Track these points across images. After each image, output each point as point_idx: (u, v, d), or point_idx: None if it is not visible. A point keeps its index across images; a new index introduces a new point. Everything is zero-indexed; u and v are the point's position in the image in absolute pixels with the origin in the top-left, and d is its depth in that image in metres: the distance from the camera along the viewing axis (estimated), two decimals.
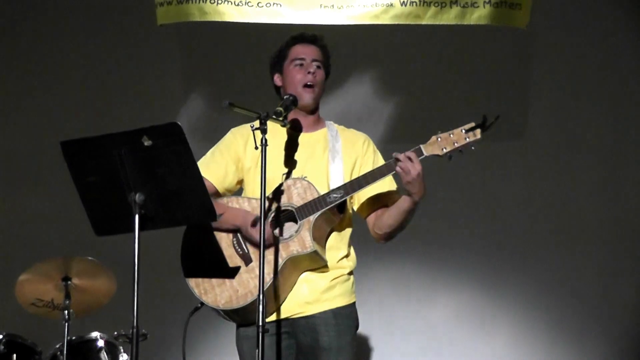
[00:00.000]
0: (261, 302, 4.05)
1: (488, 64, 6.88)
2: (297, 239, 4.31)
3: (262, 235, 4.10)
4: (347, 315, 4.41)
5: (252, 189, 4.47)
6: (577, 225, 6.78)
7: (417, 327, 6.77)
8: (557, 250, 6.75)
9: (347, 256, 4.47)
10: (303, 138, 4.51)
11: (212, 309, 4.38)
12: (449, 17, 6.12)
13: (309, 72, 4.48)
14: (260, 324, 4.03)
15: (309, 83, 4.47)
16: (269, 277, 4.27)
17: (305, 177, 4.40)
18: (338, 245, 4.44)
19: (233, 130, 4.59)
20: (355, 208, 4.53)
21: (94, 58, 7.10)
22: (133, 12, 6.97)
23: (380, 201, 4.47)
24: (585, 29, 6.86)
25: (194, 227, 4.44)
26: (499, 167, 6.82)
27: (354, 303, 4.47)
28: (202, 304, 4.41)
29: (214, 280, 4.37)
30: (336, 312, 4.38)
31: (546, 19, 6.71)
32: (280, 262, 4.29)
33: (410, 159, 4.25)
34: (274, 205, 4.36)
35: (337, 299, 4.40)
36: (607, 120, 6.83)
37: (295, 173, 4.42)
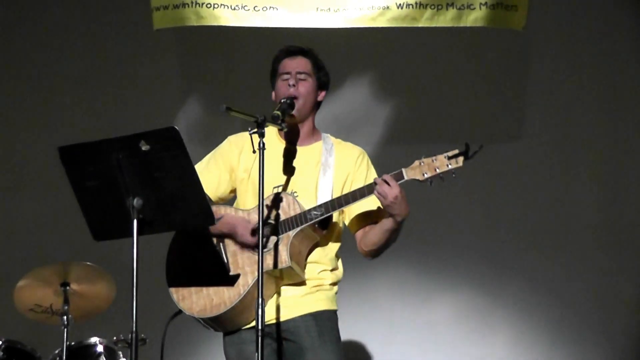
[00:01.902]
0: (260, 306, 4.05)
1: (485, 65, 6.88)
2: (274, 253, 4.32)
3: (260, 241, 4.11)
4: (328, 318, 4.42)
5: (244, 201, 4.49)
6: (575, 225, 6.77)
7: (416, 329, 6.77)
8: (556, 250, 6.75)
9: (332, 270, 4.48)
10: (296, 151, 4.50)
11: (189, 315, 4.39)
12: (446, 19, 6.13)
13: (289, 85, 4.48)
14: (260, 327, 4.04)
15: (290, 95, 4.46)
16: (243, 289, 4.30)
17: (295, 192, 4.41)
18: (320, 259, 4.44)
19: (230, 138, 4.59)
20: (346, 223, 4.54)
21: (92, 62, 7.10)
22: (131, 16, 6.97)
23: (369, 218, 4.47)
24: (582, 29, 6.86)
25: (181, 234, 4.45)
26: (497, 167, 6.81)
27: (336, 311, 4.48)
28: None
29: (193, 288, 4.37)
30: (316, 315, 4.39)
31: (543, 20, 6.71)
32: (257, 274, 4.27)
33: (387, 182, 4.25)
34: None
35: (317, 303, 4.41)
36: (604, 120, 6.83)
37: (286, 186, 4.43)
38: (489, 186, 6.83)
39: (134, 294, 3.99)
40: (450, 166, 4.28)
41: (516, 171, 6.84)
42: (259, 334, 4.03)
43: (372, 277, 6.68)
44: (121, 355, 5.61)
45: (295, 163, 4.47)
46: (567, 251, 6.75)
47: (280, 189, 4.41)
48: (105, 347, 5.62)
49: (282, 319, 4.37)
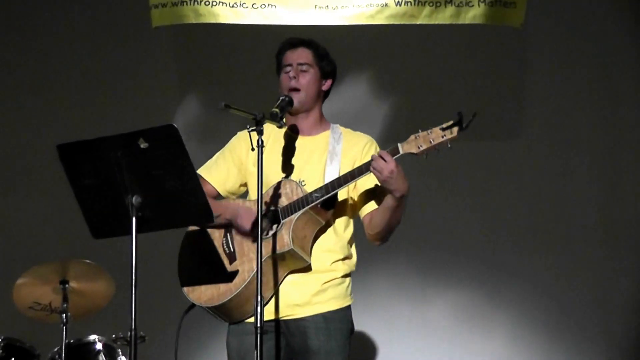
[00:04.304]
0: (259, 303, 4.06)
1: (483, 63, 6.88)
2: (277, 237, 4.34)
3: (259, 236, 4.11)
4: (339, 319, 4.42)
5: (254, 194, 4.48)
6: (574, 224, 6.77)
7: (415, 327, 6.77)
8: (555, 250, 6.75)
9: (344, 259, 4.48)
10: (303, 141, 4.53)
11: (199, 306, 4.42)
12: (444, 16, 6.13)
13: (290, 77, 4.50)
14: (259, 324, 4.04)
15: (292, 87, 4.49)
16: (248, 275, 4.33)
17: (303, 180, 4.43)
18: (334, 248, 4.45)
19: (239, 134, 4.62)
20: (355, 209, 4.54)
21: (90, 60, 7.10)
22: (129, 14, 6.97)
23: (372, 197, 4.45)
24: (580, 27, 6.86)
25: (193, 229, 4.49)
26: (495, 166, 6.82)
27: (349, 306, 4.47)
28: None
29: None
30: (327, 316, 4.39)
31: (541, 18, 6.72)
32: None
33: (382, 158, 4.25)
34: (264, 206, 4.39)
35: (328, 303, 4.41)
36: (602, 120, 6.83)
37: (293, 176, 4.45)
38: (487, 184, 6.83)
39: (133, 291, 4.00)
40: (445, 137, 4.25)
41: (515, 170, 6.84)
42: (259, 331, 4.04)
43: (371, 276, 6.68)
44: (120, 353, 5.62)
45: (303, 153, 4.50)
46: (566, 250, 6.75)
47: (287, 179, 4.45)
48: (104, 345, 5.63)
49: (291, 317, 4.38)
